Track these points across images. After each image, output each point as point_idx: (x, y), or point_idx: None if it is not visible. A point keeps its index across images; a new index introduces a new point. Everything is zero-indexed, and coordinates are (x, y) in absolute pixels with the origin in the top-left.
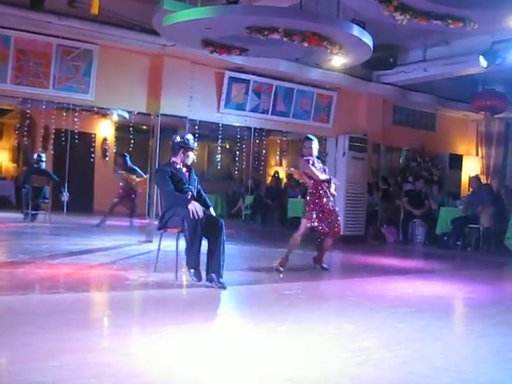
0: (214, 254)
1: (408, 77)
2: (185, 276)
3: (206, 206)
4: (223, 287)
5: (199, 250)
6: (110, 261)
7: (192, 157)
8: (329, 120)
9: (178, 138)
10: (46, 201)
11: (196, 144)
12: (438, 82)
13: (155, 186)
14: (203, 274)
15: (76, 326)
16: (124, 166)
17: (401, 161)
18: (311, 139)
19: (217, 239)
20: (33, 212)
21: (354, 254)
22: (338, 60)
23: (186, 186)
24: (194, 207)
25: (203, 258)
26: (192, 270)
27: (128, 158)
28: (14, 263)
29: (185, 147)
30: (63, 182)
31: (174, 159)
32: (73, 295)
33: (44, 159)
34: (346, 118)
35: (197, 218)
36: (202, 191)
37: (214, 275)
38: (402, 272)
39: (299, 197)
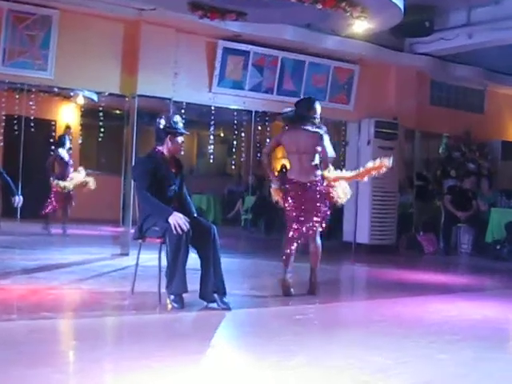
0: (210, 269)
1: (449, 45)
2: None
3: (188, 215)
4: (228, 308)
5: (184, 272)
6: (75, 279)
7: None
8: (349, 100)
9: (163, 121)
10: None
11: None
12: (487, 51)
13: (132, 187)
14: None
15: (33, 362)
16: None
17: (440, 150)
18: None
19: (209, 251)
20: None
21: (382, 268)
22: (361, 25)
23: (173, 186)
24: (176, 221)
25: (193, 277)
26: (172, 296)
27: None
28: None
29: (173, 132)
30: (15, 181)
31: (159, 148)
32: (28, 323)
33: None
34: (370, 98)
35: (180, 233)
36: (186, 195)
37: (215, 295)
38: (444, 290)
39: None
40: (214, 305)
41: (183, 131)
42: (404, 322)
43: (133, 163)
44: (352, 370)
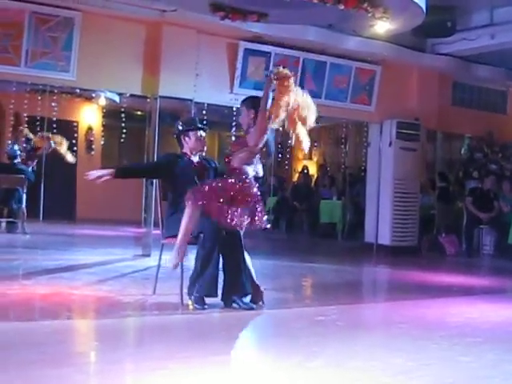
0: (232, 271)
1: (471, 45)
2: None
3: None
4: (250, 308)
5: (216, 274)
6: (97, 280)
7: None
8: (371, 101)
9: (179, 125)
10: (21, 206)
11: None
12: (509, 51)
13: (153, 188)
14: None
15: (55, 362)
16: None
17: (463, 151)
18: None
19: (236, 252)
20: (2, 220)
21: (404, 270)
22: (382, 26)
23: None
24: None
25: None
26: (193, 297)
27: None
28: None
29: (187, 129)
30: (37, 182)
31: (183, 151)
32: (51, 323)
33: (18, 153)
34: (392, 99)
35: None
36: None
37: (235, 297)
38: (466, 292)
39: (334, 198)
40: (236, 305)
41: (199, 126)
42: (426, 323)
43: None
44: (374, 372)
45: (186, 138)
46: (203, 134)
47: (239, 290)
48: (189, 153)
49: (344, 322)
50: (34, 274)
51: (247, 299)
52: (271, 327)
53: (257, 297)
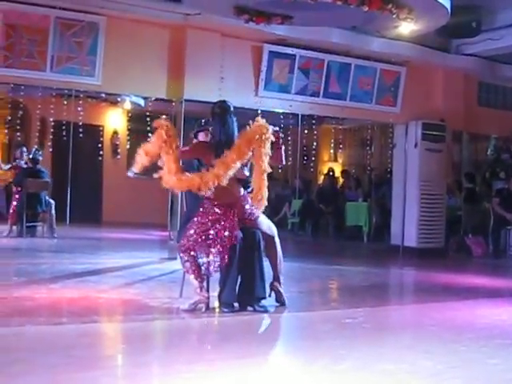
0: (248, 274)
1: (496, 45)
2: (217, 301)
3: None
4: (264, 310)
5: (236, 281)
6: (124, 283)
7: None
8: (396, 102)
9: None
10: (47, 209)
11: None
12: None
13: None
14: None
15: (82, 366)
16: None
17: (489, 152)
18: None
19: (251, 256)
20: (28, 224)
21: (431, 272)
22: (407, 27)
23: None
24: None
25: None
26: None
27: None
28: (7, 287)
29: (197, 131)
30: (64, 186)
31: None
32: (78, 327)
33: (40, 157)
34: (417, 100)
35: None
36: None
37: (250, 300)
38: (494, 294)
39: (360, 200)
40: (250, 308)
41: (205, 127)
42: (454, 326)
43: None
44: (402, 375)
45: (196, 140)
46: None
47: (255, 293)
48: None
49: (371, 325)
50: (61, 277)
51: (268, 302)
52: (297, 330)
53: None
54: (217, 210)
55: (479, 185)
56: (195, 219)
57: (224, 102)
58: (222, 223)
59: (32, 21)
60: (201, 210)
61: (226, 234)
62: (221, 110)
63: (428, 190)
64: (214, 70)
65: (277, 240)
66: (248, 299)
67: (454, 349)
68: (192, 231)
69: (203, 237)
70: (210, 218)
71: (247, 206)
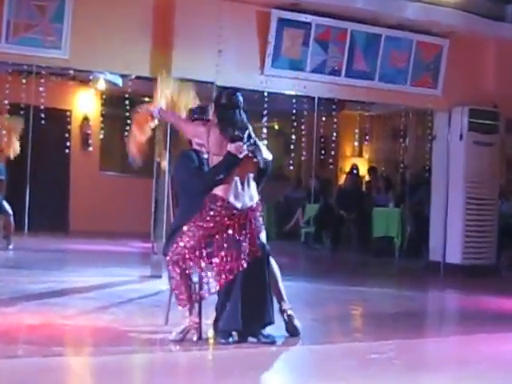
0: (252, 297)
1: None
2: (212, 330)
3: None
4: (271, 341)
5: (238, 305)
6: (95, 307)
7: None
8: (436, 84)
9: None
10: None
11: None
12: None
13: (166, 191)
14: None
15: None
16: None
17: None
18: None
19: (257, 273)
20: None
21: (479, 295)
22: None
23: None
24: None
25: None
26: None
27: None
28: None
29: (194, 120)
30: (21, 185)
31: (193, 147)
32: (39, 361)
33: None
34: (463, 80)
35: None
36: None
37: (256, 327)
38: None
39: (391, 205)
40: (253, 338)
41: (203, 117)
42: (506, 362)
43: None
44: None
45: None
46: None
47: (261, 318)
48: (198, 149)
49: (403, 361)
50: (18, 299)
51: (274, 330)
52: (312, 367)
53: (291, 327)
54: (229, 214)
55: None
56: (192, 221)
57: (234, 93)
58: (231, 232)
59: None
60: (204, 210)
61: (242, 248)
62: (230, 102)
63: (476, 194)
64: (209, 41)
65: (271, 258)
66: (253, 327)
67: None
68: (187, 237)
69: (203, 245)
70: (217, 221)
71: (258, 214)
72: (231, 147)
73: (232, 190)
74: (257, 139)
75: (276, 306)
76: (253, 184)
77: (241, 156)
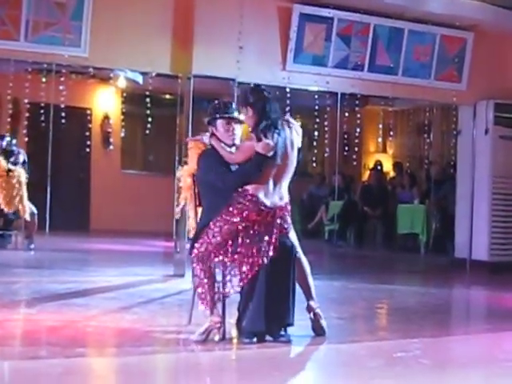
0: (275, 297)
1: None
2: (235, 329)
3: None
4: (286, 341)
5: (261, 304)
6: (118, 307)
7: (238, 133)
8: (461, 78)
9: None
10: (20, 216)
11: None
12: None
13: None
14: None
15: None
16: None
17: None
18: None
19: (282, 273)
20: None
21: (506, 292)
22: None
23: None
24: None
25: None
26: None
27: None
28: None
29: (214, 118)
30: (42, 184)
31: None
32: (61, 362)
33: (15, 148)
34: (489, 74)
35: None
36: None
37: (275, 327)
38: None
39: (416, 201)
40: (270, 337)
41: (224, 114)
42: None
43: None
44: None
45: (213, 129)
46: (237, 125)
47: (282, 319)
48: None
49: (430, 360)
50: (39, 300)
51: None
52: (338, 366)
53: (317, 326)
54: (257, 210)
55: None
56: (220, 216)
57: (260, 88)
58: (256, 228)
59: None
60: (233, 204)
61: (263, 244)
62: (259, 97)
63: (503, 189)
64: (230, 37)
65: (302, 255)
66: (274, 328)
67: None
68: (213, 232)
69: (229, 241)
70: (244, 218)
71: (287, 215)
72: (258, 146)
73: (263, 188)
74: (292, 121)
75: (303, 303)
76: (284, 184)
77: (270, 154)
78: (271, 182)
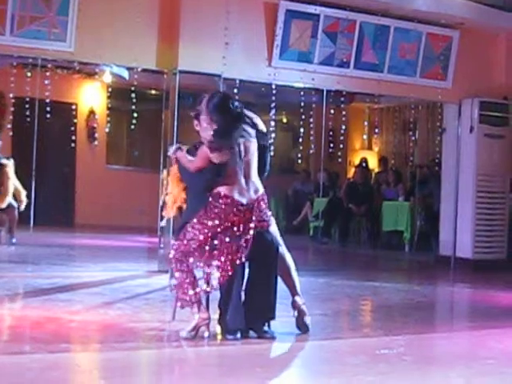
0: (257, 292)
1: None
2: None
3: None
4: (270, 337)
5: (239, 302)
6: (102, 303)
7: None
8: (446, 75)
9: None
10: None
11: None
12: None
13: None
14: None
15: None
16: None
17: None
18: None
19: (263, 268)
20: None
21: (490, 290)
22: None
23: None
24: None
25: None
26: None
27: None
28: None
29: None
30: (27, 179)
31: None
32: (44, 357)
33: None
34: (474, 72)
35: None
36: None
37: (257, 322)
38: None
39: (400, 198)
40: (254, 334)
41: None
42: None
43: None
44: None
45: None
46: None
47: (264, 314)
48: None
49: (413, 357)
50: (23, 295)
51: (278, 326)
52: (321, 363)
53: (301, 323)
54: (235, 210)
55: None
56: (197, 219)
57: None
58: (235, 229)
59: None
60: (209, 208)
61: (241, 243)
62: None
63: (487, 187)
64: (216, 33)
65: (285, 250)
66: (256, 323)
67: None
68: (191, 234)
69: (208, 242)
70: (223, 220)
71: (264, 206)
72: (214, 157)
73: (236, 188)
74: (250, 114)
75: (288, 299)
76: (255, 176)
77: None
78: (241, 179)
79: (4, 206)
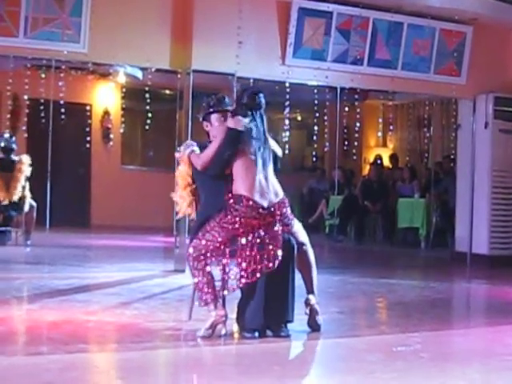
0: (275, 295)
1: None
2: (236, 325)
3: None
4: (285, 335)
5: (261, 300)
6: (118, 303)
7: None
8: (460, 71)
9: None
10: (21, 212)
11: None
12: None
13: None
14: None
15: None
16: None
17: None
18: None
19: (282, 271)
20: None
21: (507, 286)
22: None
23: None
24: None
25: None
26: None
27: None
28: None
29: (208, 112)
30: (42, 180)
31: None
32: (62, 358)
33: (14, 145)
34: (488, 68)
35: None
36: None
37: (274, 324)
38: None
39: (416, 195)
40: (270, 333)
41: (219, 109)
42: None
43: None
44: None
45: (207, 124)
46: None
47: (282, 316)
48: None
49: (430, 354)
50: (40, 296)
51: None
52: (338, 360)
53: (312, 321)
54: (255, 214)
55: None
56: (217, 221)
57: (257, 93)
58: (262, 233)
59: None
60: (229, 211)
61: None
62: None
63: (503, 182)
64: (229, 32)
65: (309, 248)
66: (274, 324)
67: None
68: (211, 235)
69: (227, 244)
70: (243, 224)
71: (286, 210)
72: (230, 122)
73: (257, 189)
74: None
75: (304, 298)
76: (272, 177)
77: (240, 128)
78: (262, 179)
79: (16, 198)
